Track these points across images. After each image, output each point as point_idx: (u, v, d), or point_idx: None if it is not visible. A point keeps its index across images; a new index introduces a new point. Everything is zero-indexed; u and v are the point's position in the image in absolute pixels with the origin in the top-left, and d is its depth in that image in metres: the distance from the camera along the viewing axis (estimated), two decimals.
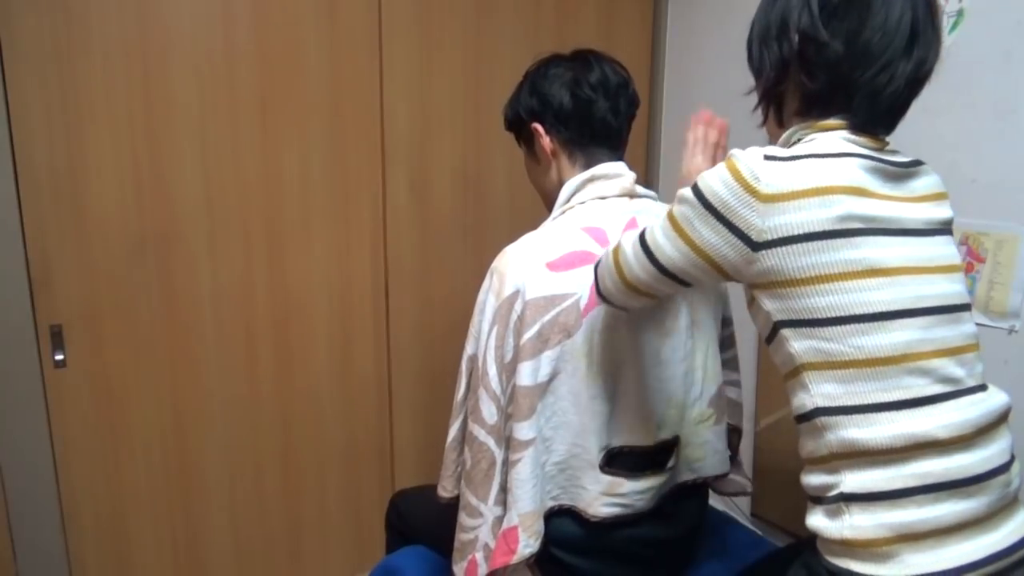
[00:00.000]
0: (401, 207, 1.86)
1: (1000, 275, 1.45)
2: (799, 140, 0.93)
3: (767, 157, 0.85)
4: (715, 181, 0.87)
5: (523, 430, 1.13)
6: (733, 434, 1.39)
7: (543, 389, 1.14)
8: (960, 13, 1.47)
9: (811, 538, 0.91)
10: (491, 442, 1.16)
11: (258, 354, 1.75)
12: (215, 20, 1.58)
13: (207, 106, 1.60)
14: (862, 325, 0.83)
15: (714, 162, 1.14)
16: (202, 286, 1.66)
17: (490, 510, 1.16)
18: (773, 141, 0.98)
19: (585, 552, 1.21)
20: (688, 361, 1.22)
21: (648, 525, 1.22)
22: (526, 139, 1.33)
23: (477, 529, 1.17)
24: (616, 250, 1.02)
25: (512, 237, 1.23)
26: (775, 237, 0.83)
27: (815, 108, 0.93)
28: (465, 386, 1.21)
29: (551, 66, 1.27)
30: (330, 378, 1.85)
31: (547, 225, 1.24)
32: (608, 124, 1.25)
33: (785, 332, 0.88)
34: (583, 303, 1.14)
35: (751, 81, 1.01)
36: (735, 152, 0.87)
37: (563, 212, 1.23)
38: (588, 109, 1.23)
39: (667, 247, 0.93)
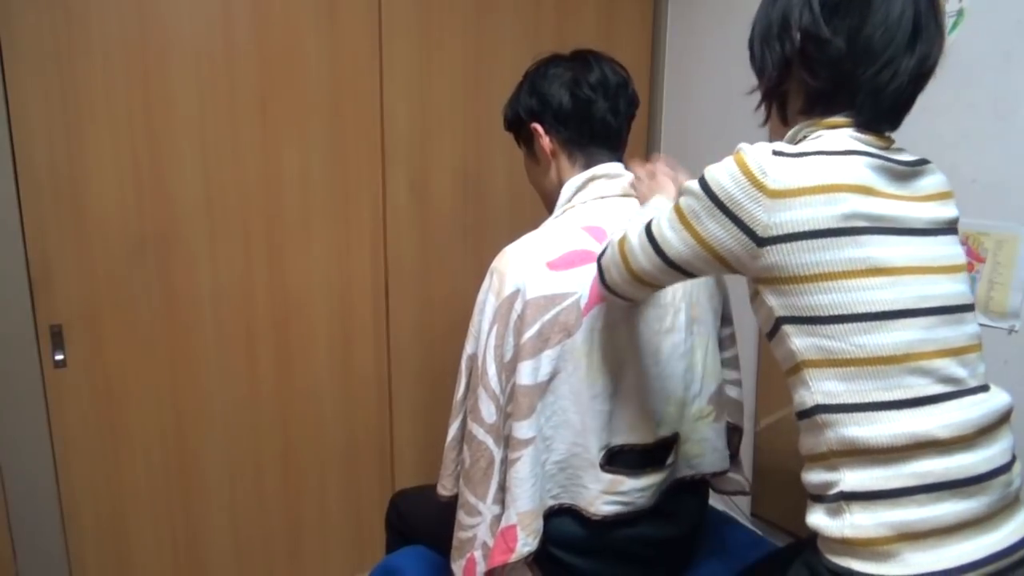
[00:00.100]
0: (401, 207, 1.86)
1: (1000, 275, 1.45)
2: (805, 137, 0.93)
3: (775, 152, 0.85)
4: (722, 175, 0.87)
5: (522, 429, 1.13)
6: (734, 433, 1.39)
7: (543, 388, 1.14)
8: (960, 13, 1.47)
9: (811, 538, 0.91)
10: (490, 441, 1.16)
11: (258, 354, 1.75)
12: (215, 20, 1.58)
13: (207, 106, 1.60)
14: (864, 324, 0.83)
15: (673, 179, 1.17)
16: (202, 286, 1.66)
17: (488, 509, 1.16)
18: (776, 140, 0.98)
19: (585, 552, 1.21)
20: (688, 358, 1.23)
21: (648, 524, 1.22)
22: (525, 139, 1.33)
23: (475, 528, 1.17)
24: (622, 241, 1.02)
25: (512, 237, 1.23)
26: (780, 233, 0.83)
27: (819, 106, 0.93)
28: (465, 385, 1.21)
29: (550, 66, 1.27)
30: (330, 378, 1.85)
31: (547, 224, 1.24)
32: (608, 124, 1.25)
33: (787, 328, 0.88)
34: (583, 302, 1.14)
35: (751, 81, 1.01)
36: (743, 146, 0.87)
37: (563, 212, 1.23)
38: (588, 109, 1.23)
39: (673, 239, 0.93)
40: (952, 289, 0.90)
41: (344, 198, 1.78)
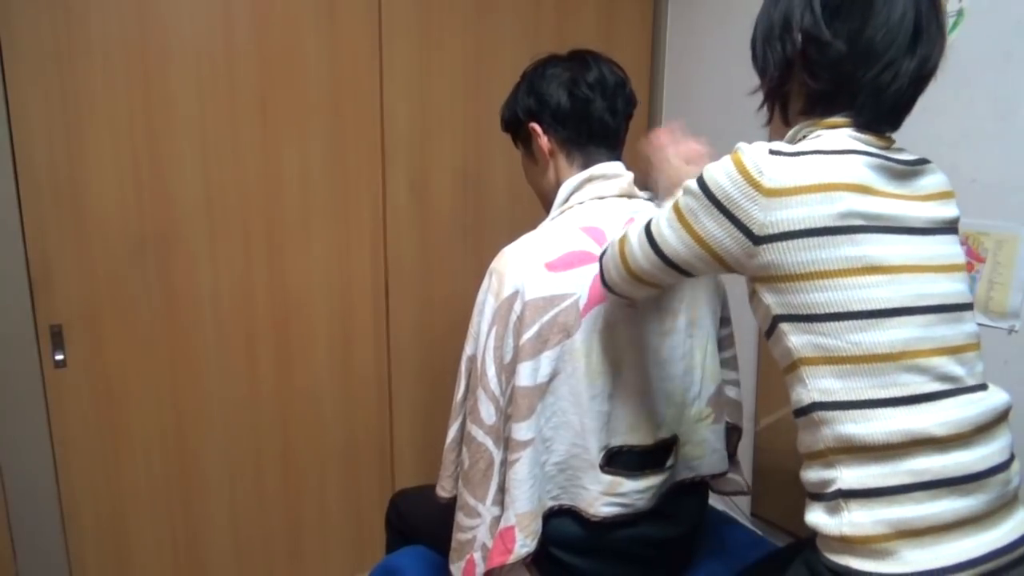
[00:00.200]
0: (401, 207, 1.86)
1: (1000, 275, 1.45)
2: (804, 137, 0.93)
3: (772, 151, 0.85)
4: (719, 174, 0.87)
5: (522, 430, 1.13)
6: (732, 433, 1.39)
7: (543, 390, 1.13)
8: (960, 13, 1.47)
9: (811, 537, 0.91)
10: (489, 442, 1.16)
11: (258, 354, 1.75)
12: (215, 20, 1.58)
13: (207, 106, 1.60)
14: (860, 322, 0.83)
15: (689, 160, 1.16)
16: (202, 286, 1.66)
17: (488, 510, 1.16)
18: (779, 140, 0.98)
19: (585, 552, 1.21)
20: (687, 360, 1.23)
21: (648, 524, 1.22)
22: (523, 139, 1.33)
23: (475, 529, 1.17)
24: (622, 240, 1.02)
25: (512, 237, 1.23)
26: (776, 231, 0.84)
27: (819, 107, 0.93)
28: (464, 386, 1.21)
29: (548, 66, 1.27)
30: (330, 378, 1.85)
31: (545, 225, 1.24)
32: (606, 124, 1.25)
33: (784, 326, 0.88)
34: (582, 303, 1.14)
35: (751, 81, 1.01)
36: (741, 145, 0.87)
37: (561, 212, 1.23)
38: (586, 109, 1.23)
39: (671, 238, 0.93)
40: (950, 288, 0.90)
41: (344, 198, 1.79)
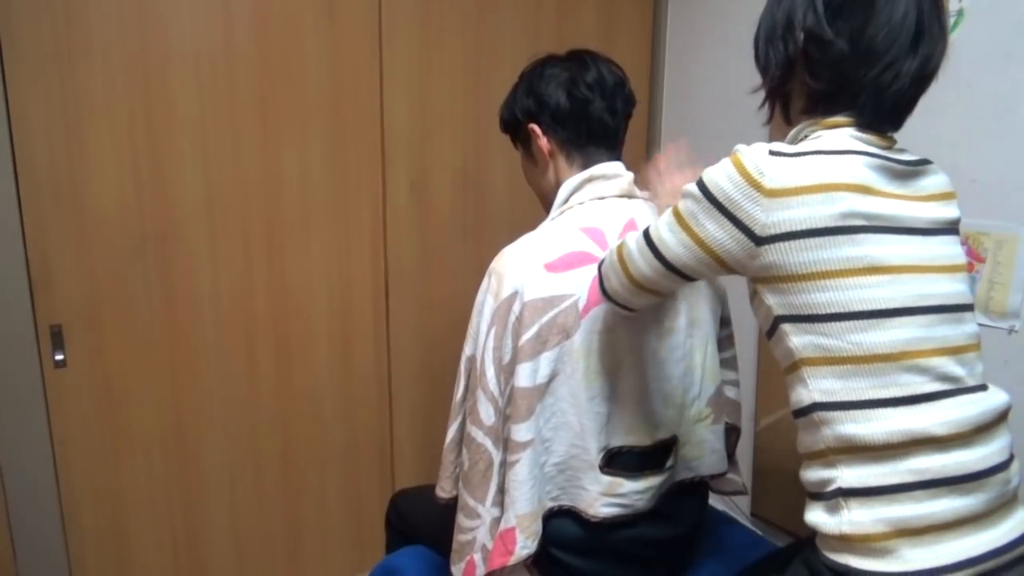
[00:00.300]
0: (401, 207, 1.86)
1: (1000, 275, 1.45)
2: (805, 137, 0.93)
3: (772, 152, 0.85)
4: (720, 176, 0.87)
5: (521, 431, 1.13)
6: (731, 433, 1.38)
7: (542, 391, 1.13)
8: (960, 13, 1.47)
9: (811, 537, 0.92)
10: (489, 443, 1.16)
11: (258, 354, 1.75)
12: (215, 20, 1.58)
13: (207, 106, 1.60)
14: (861, 322, 0.83)
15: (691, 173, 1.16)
16: (202, 286, 1.66)
17: (488, 511, 1.16)
18: (780, 139, 0.98)
19: (585, 552, 1.21)
20: (687, 361, 1.22)
21: (648, 525, 1.22)
22: (523, 140, 1.32)
23: (475, 530, 1.17)
24: (620, 247, 1.02)
25: (512, 237, 1.23)
26: (778, 232, 0.84)
27: (821, 106, 0.93)
28: (464, 387, 1.21)
29: (547, 66, 1.27)
30: (330, 378, 1.85)
31: (545, 226, 1.23)
32: (605, 124, 1.25)
33: (785, 327, 0.88)
34: (581, 304, 1.14)
35: (751, 80, 1.01)
36: (740, 147, 0.87)
37: (561, 212, 1.23)
38: (585, 109, 1.23)
39: (672, 242, 0.93)
40: (951, 288, 0.90)
41: (344, 198, 1.79)
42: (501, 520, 1.15)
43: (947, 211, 0.94)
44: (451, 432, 1.24)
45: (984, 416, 0.86)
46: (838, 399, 0.85)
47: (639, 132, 2.21)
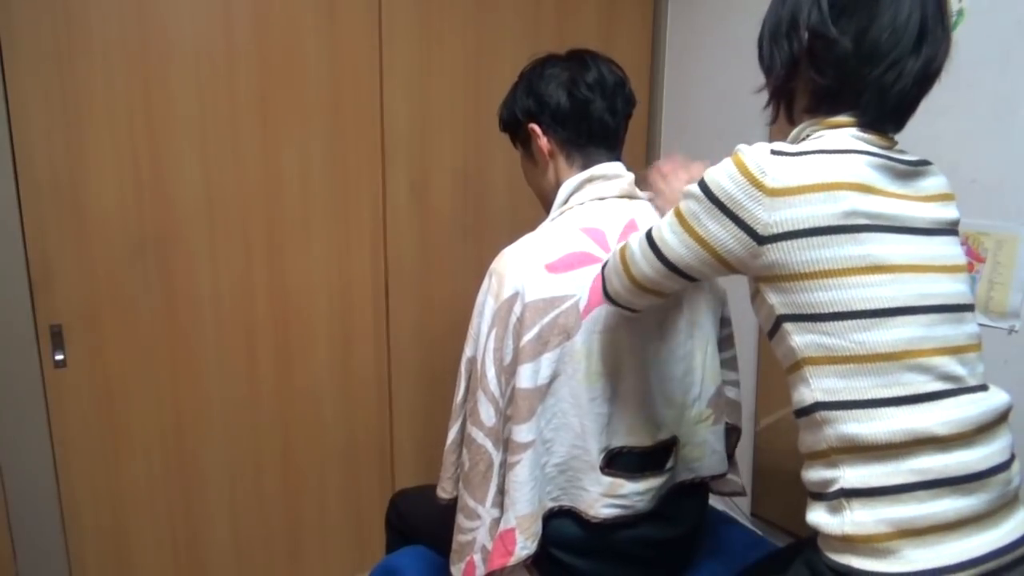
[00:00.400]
0: (401, 207, 1.86)
1: (1000, 275, 1.45)
2: (808, 136, 0.93)
3: (774, 152, 0.86)
4: (721, 176, 0.87)
5: (522, 432, 1.12)
6: (731, 434, 1.38)
7: (543, 392, 1.13)
8: (960, 13, 1.47)
9: (812, 537, 0.92)
10: (489, 444, 1.16)
11: (258, 354, 1.75)
12: (215, 20, 1.58)
13: (207, 106, 1.60)
14: (863, 321, 0.83)
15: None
16: (202, 286, 1.66)
17: (488, 512, 1.16)
18: (782, 139, 0.98)
19: (585, 553, 1.21)
20: (687, 361, 1.22)
21: (648, 525, 1.22)
22: (522, 140, 1.32)
23: (475, 531, 1.17)
24: (623, 249, 1.03)
25: (512, 237, 1.23)
26: (780, 231, 0.84)
27: (824, 105, 0.93)
28: (464, 388, 1.21)
29: (547, 66, 1.27)
30: (330, 378, 1.85)
31: (545, 226, 1.23)
32: (606, 124, 1.24)
33: (787, 326, 0.88)
34: (582, 305, 1.14)
35: (751, 80, 1.01)
36: (741, 147, 0.87)
37: (561, 213, 1.23)
38: (585, 109, 1.23)
39: (674, 243, 0.94)
40: (952, 288, 0.90)
41: (344, 198, 1.78)
42: (501, 521, 1.15)
43: (947, 212, 0.94)
44: (452, 433, 1.24)
45: (985, 416, 0.86)
46: (841, 398, 0.85)
47: (639, 132, 2.21)
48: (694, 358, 1.23)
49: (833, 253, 0.83)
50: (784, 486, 1.94)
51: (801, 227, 0.83)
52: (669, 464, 1.23)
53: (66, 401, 1.56)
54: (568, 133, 1.25)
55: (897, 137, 0.95)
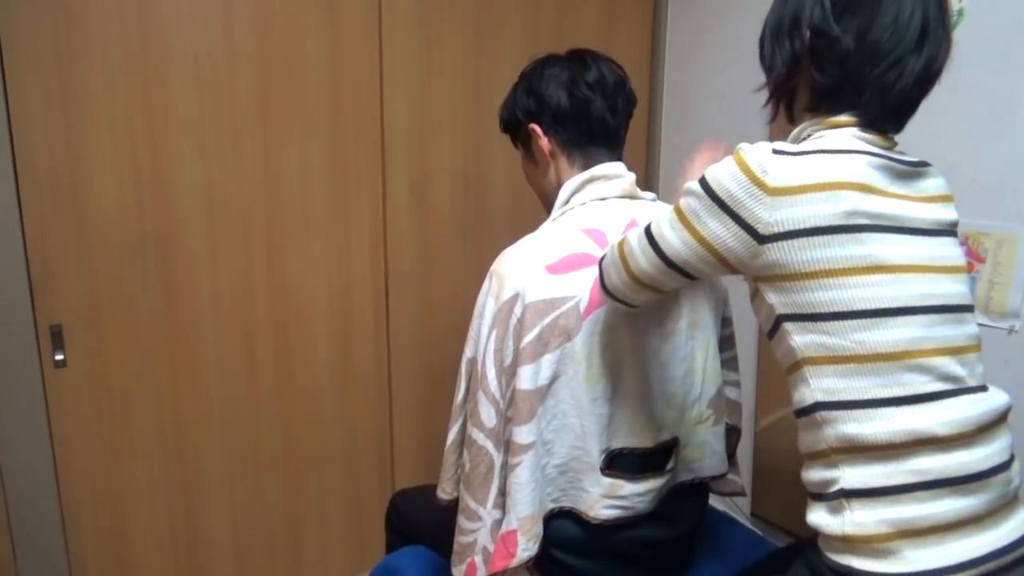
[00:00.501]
0: (401, 207, 1.86)
1: (1000, 275, 1.45)
2: (808, 136, 0.93)
3: (775, 151, 0.85)
4: (723, 174, 0.87)
5: (523, 434, 1.12)
6: (732, 434, 1.38)
7: (543, 393, 1.13)
8: (960, 13, 1.47)
9: (812, 537, 0.92)
10: (490, 445, 1.16)
11: (258, 354, 1.75)
12: (215, 20, 1.58)
13: (207, 106, 1.60)
14: (864, 320, 0.83)
15: None
16: (202, 286, 1.66)
17: (489, 514, 1.16)
18: (782, 139, 0.98)
19: (586, 553, 1.21)
20: (688, 362, 1.22)
21: (649, 526, 1.22)
22: (523, 140, 1.32)
23: (476, 532, 1.17)
24: (622, 243, 1.02)
25: (512, 237, 1.23)
26: (781, 230, 0.84)
27: (825, 103, 0.93)
28: (464, 389, 1.21)
29: (547, 66, 1.26)
30: (330, 378, 1.85)
31: (546, 227, 1.23)
32: (607, 124, 1.24)
33: (787, 326, 0.88)
34: (583, 306, 1.13)
35: (751, 80, 1.01)
36: (743, 146, 0.87)
37: (562, 213, 1.23)
38: (586, 109, 1.23)
39: (673, 239, 0.93)
40: (953, 289, 0.90)
41: (344, 198, 1.78)
42: (502, 522, 1.15)
43: (947, 213, 0.94)
44: (452, 434, 1.24)
45: (985, 416, 0.86)
46: (841, 398, 0.85)
47: (639, 132, 2.21)
48: (695, 359, 1.23)
49: (834, 253, 0.83)
50: (784, 486, 1.94)
51: (802, 227, 0.83)
52: (669, 465, 1.23)
53: (66, 401, 1.56)
54: (569, 133, 1.24)
55: (897, 137, 0.95)
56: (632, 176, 1.26)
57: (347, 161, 1.77)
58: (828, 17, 0.89)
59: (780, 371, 0.94)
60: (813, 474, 0.90)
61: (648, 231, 0.97)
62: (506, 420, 1.15)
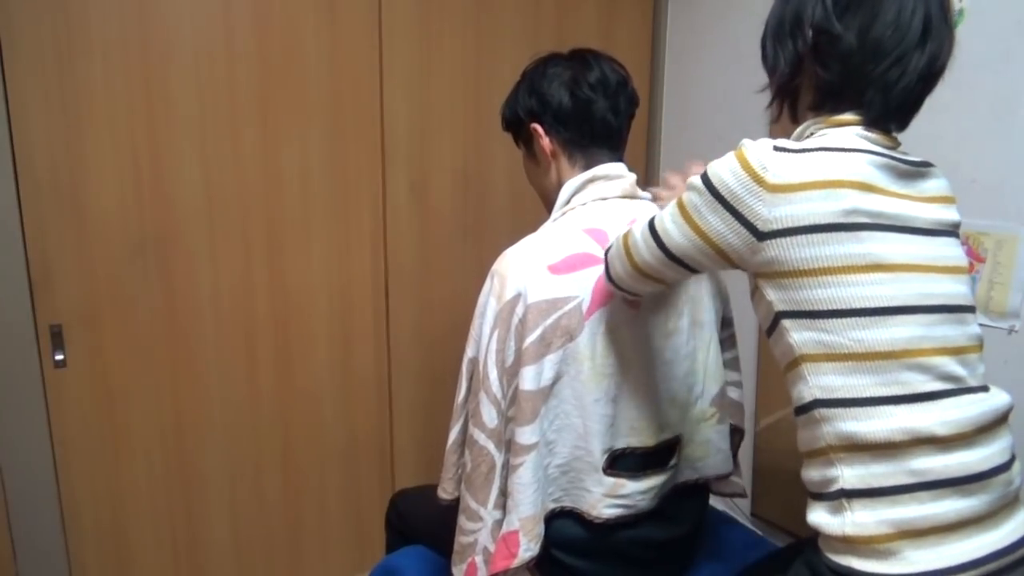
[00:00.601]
0: (401, 207, 1.86)
1: (1000, 275, 1.45)
2: (812, 134, 0.93)
3: (776, 148, 0.86)
4: (724, 170, 0.87)
5: (525, 434, 1.12)
6: (734, 435, 1.38)
7: (546, 393, 1.13)
8: (960, 13, 1.47)
9: (812, 537, 0.92)
10: (491, 446, 1.15)
11: (258, 354, 1.75)
12: (215, 20, 1.58)
13: (207, 106, 1.60)
14: (862, 319, 0.84)
15: None
16: (202, 286, 1.66)
17: (489, 514, 1.16)
18: (786, 137, 0.98)
19: (587, 553, 1.21)
20: (690, 361, 1.22)
21: (650, 526, 1.22)
22: (525, 140, 1.32)
23: (476, 532, 1.17)
24: (626, 235, 1.03)
25: (513, 237, 1.23)
26: (780, 227, 0.84)
27: (828, 101, 0.94)
28: (466, 389, 1.21)
29: (549, 65, 1.26)
30: (330, 378, 1.85)
31: (547, 227, 1.23)
32: (608, 124, 1.24)
33: (786, 323, 0.88)
34: (585, 306, 1.13)
35: (751, 80, 1.01)
36: (745, 142, 0.87)
37: (563, 213, 1.23)
38: (588, 109, 1.23)
39: (675, 233, 0.94)
40: (954, 289, 0.90)
41: (344, 198, 1.78)
42: (503, 523, 1.15)
43: (948, 214, 0.94)
44: (453, 434, 1.24)
45: (986, 416, 0.86)
46: (839, 396, 0.85)
47: (639, 132, 2.21)
48: (696, 357, 1.23)
49: (833, 250, 0.83)
50: (784, 486, 1.94)
51: (801, 224, 0.83)
52: (672, 462, 1.23)
53: (66, 401, 1.56)
54: (570, 133, 1.24)
55: (898, 137, 0.95)
56: (633, 176, 1.26)
57: (347, 161, 1.77)
58: (830, 15, 0.89)
59: (780, 372, 0.94)
60: (813, 472, 0.90)
61: (651, 224, 0.98)
62: (508, 420, 1.15)
